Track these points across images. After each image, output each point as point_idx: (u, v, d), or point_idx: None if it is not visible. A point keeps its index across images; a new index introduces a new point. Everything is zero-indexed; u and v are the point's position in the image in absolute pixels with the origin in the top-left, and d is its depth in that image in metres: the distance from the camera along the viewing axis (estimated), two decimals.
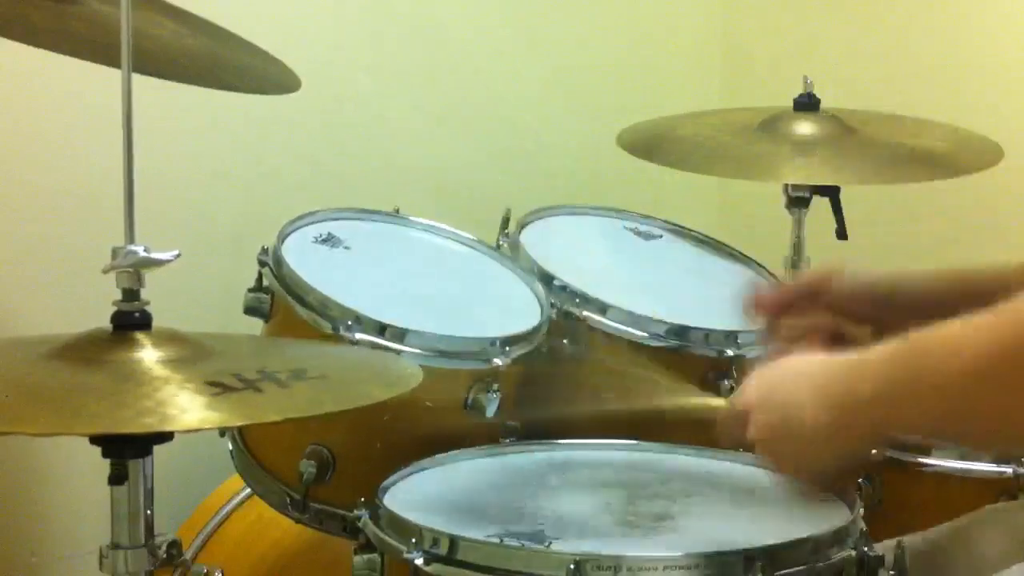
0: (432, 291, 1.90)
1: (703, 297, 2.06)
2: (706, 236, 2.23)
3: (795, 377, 1.41)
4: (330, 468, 1.72)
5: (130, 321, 1.35)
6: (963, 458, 1.79)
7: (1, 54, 1.92)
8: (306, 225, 1.89)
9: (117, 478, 1.36)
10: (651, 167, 2.23)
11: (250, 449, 1.81)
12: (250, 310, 1.79)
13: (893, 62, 2.13)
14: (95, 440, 1.31)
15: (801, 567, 1.38)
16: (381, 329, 1.69)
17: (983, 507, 1.68)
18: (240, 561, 1.98)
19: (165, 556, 1.40)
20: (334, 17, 2.50)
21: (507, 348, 1.75)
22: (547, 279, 1.93)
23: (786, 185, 2.27)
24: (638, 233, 2.20)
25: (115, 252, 1.36)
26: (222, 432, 1.79)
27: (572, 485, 1.63)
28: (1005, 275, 1.51)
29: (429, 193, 2.54)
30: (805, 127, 2.20)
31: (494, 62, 2.71)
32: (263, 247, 1.80)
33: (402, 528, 1.45)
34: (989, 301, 1.22)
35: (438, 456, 1.67)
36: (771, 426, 1.42)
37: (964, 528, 1.62)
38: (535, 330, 1.83)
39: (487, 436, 1.77)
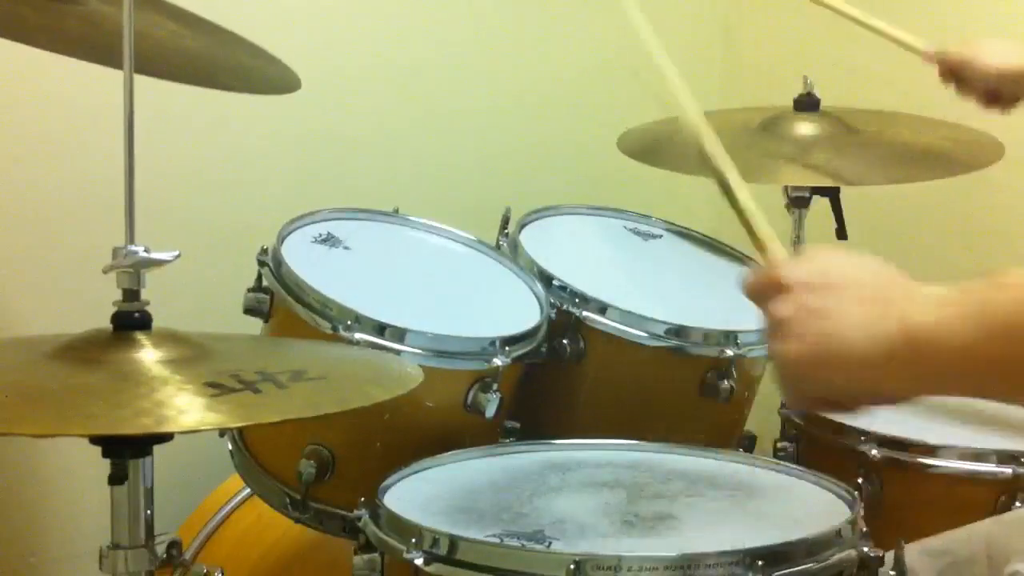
0: (432, 291, 1.90)
1: (703, 297, 2.06)
2: (706, 236, 2.23)
3: (861, 276, 1.17)
4: (330, 468, 1.72)
5: (130, 321, 1.35)
6: (962, 458, 1.79)
7: (1, 54, 1.92)
8: (306, 225, 1.89)
9: (117, 478, 1.36)
10: (651, 167, 2.23)
11: (250, 449, 1.81)
12: (250, 310, 1.79)
13: (893, 62, 2.12)
14: (95, 440, 1.31)
15: (801, 567, 1.38)
16: (381, 329, 1.69)
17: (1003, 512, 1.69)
18: (240, 561, 1.98)
19: (165, 556, 1.41)
20: (334, 17, 2.50)
21: (507, 348, 1.75)
22: (547, 279, 1.93)
23: (786, 185, 2.27)
24: (638, 233, 2.20)
25: (115, 252, 1.36)
26: (222, 432, 1.79)
27: (572, 485, 1.63)
28: None
29: (429, 193, 2.54)
30: (805, 127, 2.20)
31: (494, 62, 2.71)
32: (263, 247, 1.80)
33: (402, 528, 1.45)
34: None
35: (438, 456, 1.67)
36: (810, 314, 1.15)
37: (984, 531, 1.62)
38: (535, 330, 1.83)
39: (487, 436, 1.77)
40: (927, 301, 1.12)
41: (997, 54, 1.93)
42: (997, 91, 1.94)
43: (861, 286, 1.15)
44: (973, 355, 1.08)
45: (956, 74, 1.96)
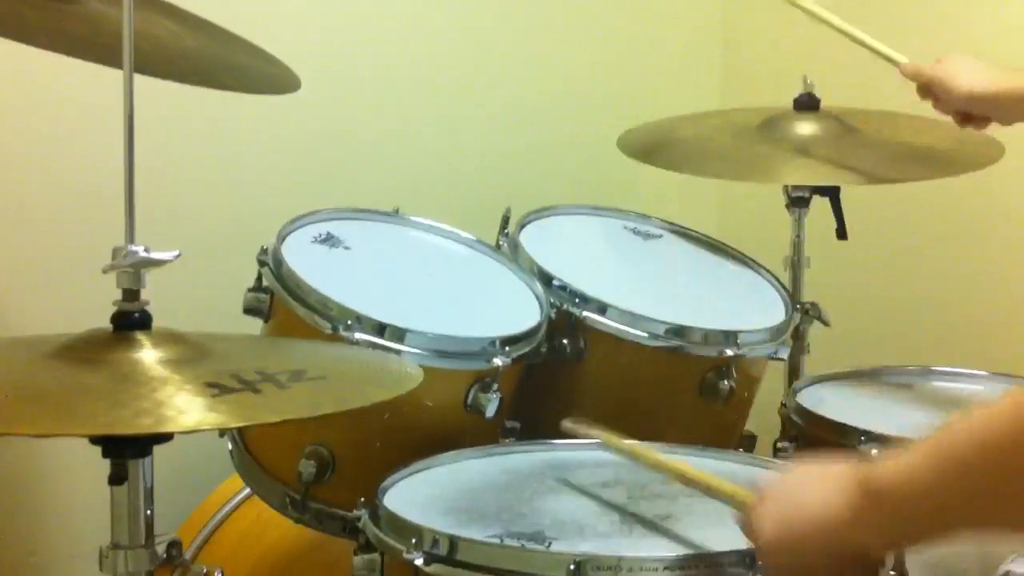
0: (432, 291, 1.90)
1: (703, 297, 2.06)
2: (706, 236, 2.24)
3: (814, 475, 1.26)
4: (330, 468, 1.72)
5: (130, 321, 1.35)
6: None
7: (1, 54, 1.92)
8: (306, 225, 1.89)
9: (117, 478, 1.36)
10: (651, 167, 2.23)
11: (249, 449, 1.81)
12: (250, 310, 1.79)
13: None
14: (95, 440, 1.31)
15: None
16: (381, 329, 1.70)
17: None
18: (240, 561, 1.98)
19: (165, 556, 1.40)
20: (334, 17, 2.50)
21: (507, 348, 1.75)
22: (547, 279, 1.93)
23: (786, 185, 2.27)
24: (638, 233, 2.20)
25: (115, 252, 1.36)
26: (222, 432, 1.79)
27: (572, 485, 1.63)
28: None
29: (429, 193, 2.54)
30: (805, 127, 2.19)
31: (494, 62, 2.71)
32: (263, 247, 1.80)
33: (402, 528, 1.45)
34: None
35: (438, 456, 1.67)
36: (780, 513, 1.25)
37: None
38: (535, 330, 1.83)
39: (487, 436, 1.77)
40: (884, 459, 1.19)
41: (967, 75, 1.92)
42: (968, 112, 1.95)
43: (819, 473, 1.24)
44: (935, 492, 1.12)
45: (930, 92, 1.96)
